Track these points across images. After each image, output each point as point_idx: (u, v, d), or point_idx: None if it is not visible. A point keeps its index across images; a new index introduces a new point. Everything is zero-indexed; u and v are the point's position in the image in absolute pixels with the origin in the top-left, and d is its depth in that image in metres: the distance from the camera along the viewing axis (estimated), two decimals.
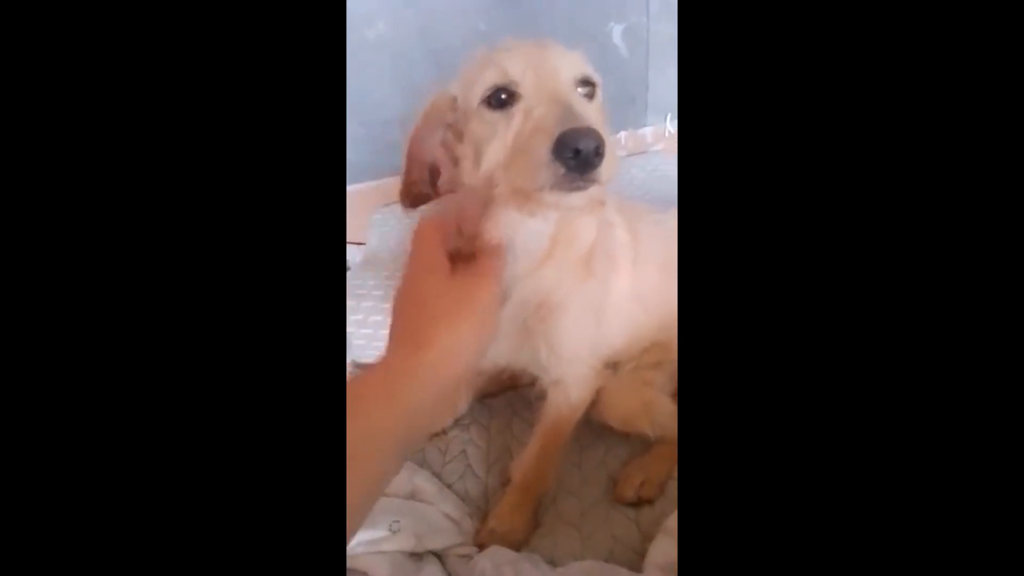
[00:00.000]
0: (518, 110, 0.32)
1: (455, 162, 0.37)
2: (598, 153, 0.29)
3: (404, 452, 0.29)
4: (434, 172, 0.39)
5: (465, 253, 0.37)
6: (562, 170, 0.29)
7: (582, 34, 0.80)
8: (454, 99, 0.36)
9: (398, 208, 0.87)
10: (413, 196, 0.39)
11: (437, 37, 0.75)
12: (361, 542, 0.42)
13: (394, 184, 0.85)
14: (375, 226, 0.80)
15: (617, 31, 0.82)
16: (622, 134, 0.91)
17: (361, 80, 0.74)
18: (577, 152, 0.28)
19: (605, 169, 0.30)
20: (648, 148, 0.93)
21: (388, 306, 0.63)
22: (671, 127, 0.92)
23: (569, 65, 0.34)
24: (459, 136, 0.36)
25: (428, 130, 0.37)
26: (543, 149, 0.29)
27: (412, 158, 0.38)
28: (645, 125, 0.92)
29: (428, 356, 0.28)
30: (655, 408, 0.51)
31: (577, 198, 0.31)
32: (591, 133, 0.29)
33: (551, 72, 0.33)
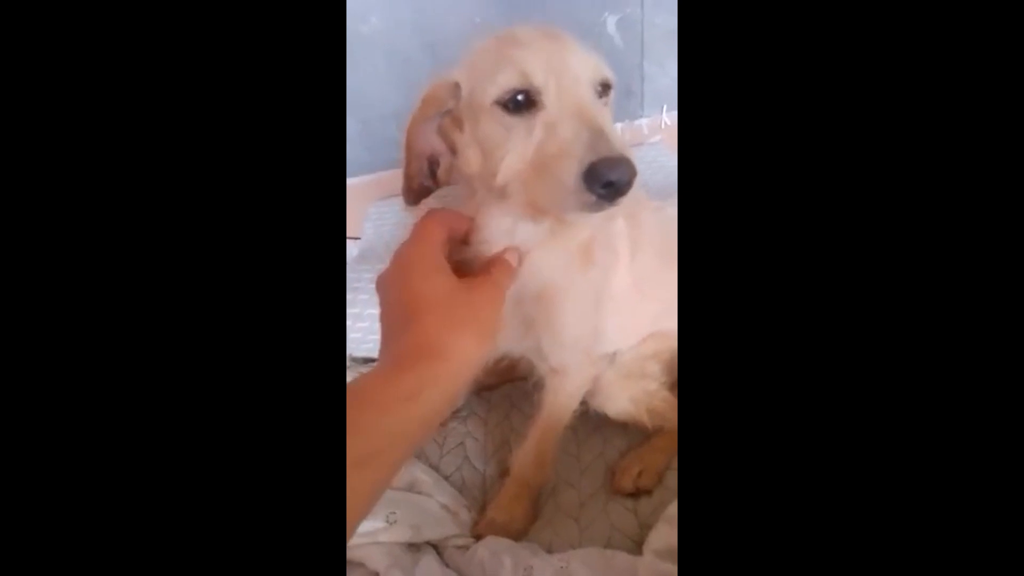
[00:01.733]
0: (539, 121, 0.31)
1: (454, 151, 0.36)
2: (631, 181, 0.28)
3: (413, 452, 0.31)
4: (433, 162, 0.38)
5: (469, 260, 0.37)
6: (592, 199, 0.28)
7: (576, 24, 0.80)
8: (456, 85, 0.35)
9: (393, 202, 0.86)
10: (415, 190, 0.38)
11: (432, 31, 0.74)
12: (358, 533, 0.42)
13: (388, 178, 0.85)
14: (370, 220, 0.80)
15: (611, 22, 0.81)
16: (619, 125, 0.90)
17: (355, 75, 0.74)
18: (610, 183, 0.28)
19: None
20: (645, 140, 0.92)
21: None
22: (667, 118, 0.92)
23: (590, 70, 0.32)
24: (459, 124, 0.35)
25: (426, 118, 0.36)
26: (571, 176, 0.28)
27: (411, 149, 0.37)
28: (641, 116, 0.92)
29: (449, 366, 0.29)
30: (653, 398, 0.51)
31: (598, 217, 0.31)
32: (625, 163, 0.28)
33: (574, 79, 0.31)
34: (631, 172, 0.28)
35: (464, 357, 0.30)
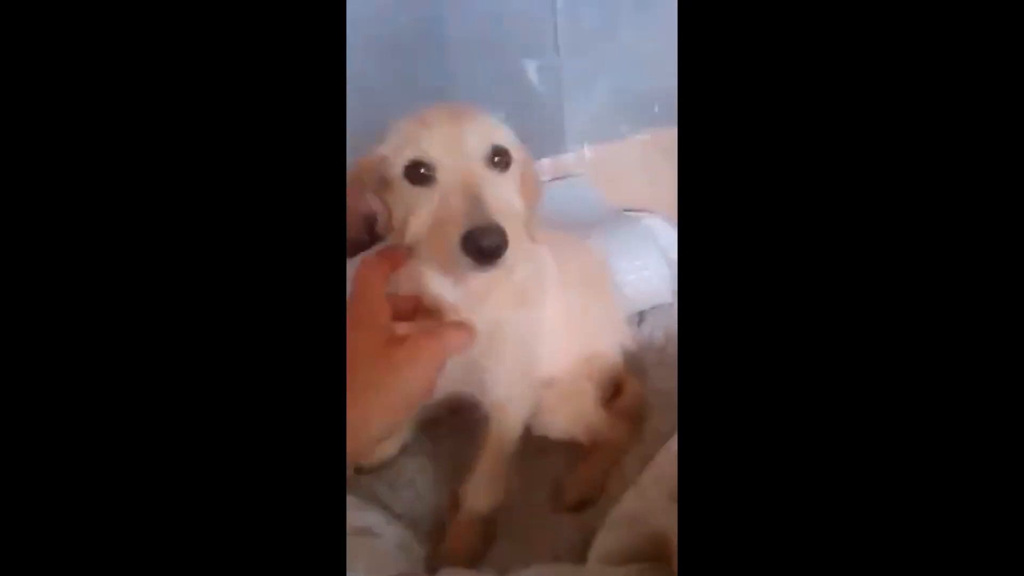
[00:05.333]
0: (435, 192, 0.36)
1: (389, 212, 0.40)
2: (500, 247, 0.33)
3: None
4: (370, 220, 0.42)
5: (407, 309, 0.39)
6: (469, 261, 0.33)
7: (498, 72, 0.86)
8: (384, 158, 0.39)
9: None
10: (351, 244, 0.42)
11: (357, 77, 0.77)
12: None
13: None
14: None
15: (531, 68, 0.88)
16: (544, 160, 0.97)
17: None
18: (480, 250, 0.32)
19: (512, 250, 0.34)
20: (569, 173, 1.00)
21: None
22: (588, 152, 1.01)
23: (482, 140, 0.37)
24: (389, 188, 0.39)
25: (358, 188, 0.40)
26: (453, 241, 0.33)
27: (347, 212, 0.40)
28: (565, 151, 0.99)
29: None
30: (588, 416, 0.56)
31: (489, 271, 0.35)
32: (493, 231, 0.32)
33: (465, 155, 0.36)
34: (499, 238, 0.33)
35: (358, 429, 0.28)
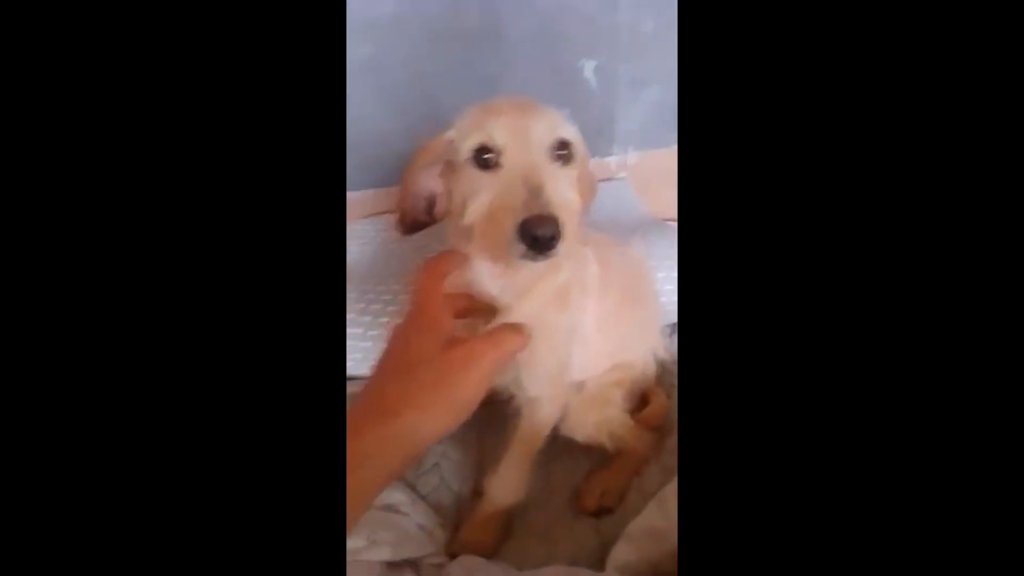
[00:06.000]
0: (498, 178, 0.36)
1: (450, 195, 0.41)
2: (554, 238, 0.33)
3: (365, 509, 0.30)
4: (430, 201, 0.43)
5: (462, 307, 0.40)
6: (523, 248, 0.33)
7: (555, 69, 0.85)
8: (451, 142, 0.40)
9: (378, 220, 0.88)
10: (408, 224, 0.43)
11: (420, 62, 0.77)
12: None
13: (372, 196, 0.87)
14: (352, 238, 0.81)
15: (588, 67, 0.88)
16: (591, 161, 0.97)
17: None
18: (535, 239, 0.33)
19: (566, 244, 0.34)
20: (613, 176, 0.99)
21: (366, 319, 0.64)
22: (633, 157, 0.99)
23: (548, 131, 0.37)
24: (453, 172, 0.40)
25: (425, 166, 0.41)
26: (509, 228, 0.33)
27: (407, 189, 0.41)
28: (611, 154, 0.99)
29: (390, 430, 0.29)
30: (613, 423, 0.56)
31: (539, 263, 0.35)
32: (550, 220, 0.33)
33: (528, 143, 0.37)
34: (554, 229, 0.33)
35: (416, 421, 0.29)
